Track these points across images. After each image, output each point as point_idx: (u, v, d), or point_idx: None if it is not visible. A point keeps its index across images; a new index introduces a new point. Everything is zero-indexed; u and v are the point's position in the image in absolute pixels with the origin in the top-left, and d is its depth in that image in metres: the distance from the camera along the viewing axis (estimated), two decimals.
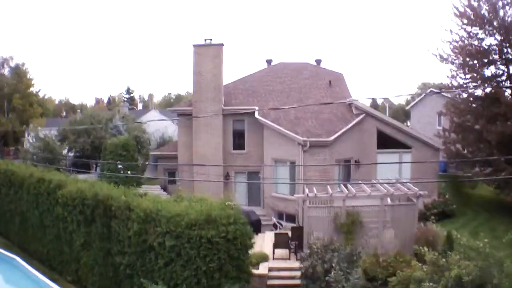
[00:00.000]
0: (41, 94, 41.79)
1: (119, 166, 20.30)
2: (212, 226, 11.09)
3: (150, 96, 63.13)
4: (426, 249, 12.72)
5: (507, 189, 21.89)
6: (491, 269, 10.76)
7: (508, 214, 20.40)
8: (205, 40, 23.89)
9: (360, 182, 18.37)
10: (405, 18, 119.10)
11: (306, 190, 16.63)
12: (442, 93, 32.15)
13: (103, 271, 13.96)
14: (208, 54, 23.47)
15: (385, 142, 23.23)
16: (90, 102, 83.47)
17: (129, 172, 20.42)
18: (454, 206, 21.67)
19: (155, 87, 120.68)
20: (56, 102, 73.35)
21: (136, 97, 76.42)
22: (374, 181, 18.54)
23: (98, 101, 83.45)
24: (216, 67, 23.38)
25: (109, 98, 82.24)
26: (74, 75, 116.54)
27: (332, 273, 10.24)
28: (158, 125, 33.37)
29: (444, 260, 11.93)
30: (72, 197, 14.98)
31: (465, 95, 23.79)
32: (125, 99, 69.03)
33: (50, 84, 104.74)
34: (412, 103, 40.91)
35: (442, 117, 30.75)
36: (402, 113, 57.15)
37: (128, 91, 76.14)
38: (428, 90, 39.25)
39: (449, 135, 24.71)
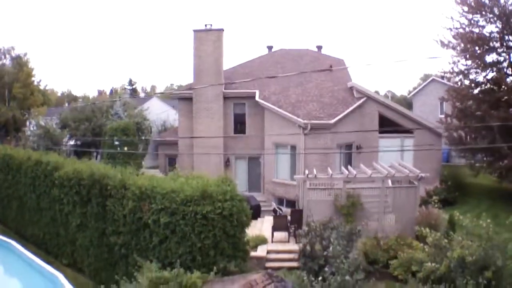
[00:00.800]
0: (42, 85, 41.72)
1: (116, 143, 20.07)
2: (208, 202, 10.84)
3: (153, 87, 62.92)
4: (428, 230, 12.52)
5: (510, 176, 21.56)
6: (494, 251, 10.60)
7: (510, 201, 20.09)
8: (206, 25, 23.68)
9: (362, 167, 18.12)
10: (408, 9, 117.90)
11: (306, 171, 16.38)
12: (444, 81, 31.83)
13: (98, 253, 13.76)
14: (208, 38, 23.22)
15: (387, 126, 22.91)
16: (92, 94, 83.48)
17: (125, 148, 20.20)
18: (457, 193, 21.36)
19: (158, 78, 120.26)
20: (59, 94, 73.33)
21: (139, 89, 76.29)
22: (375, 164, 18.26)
23: (101, 93, 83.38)
24: (216, 51, 23.11)
25: (111, 90, 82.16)
26: (76, 68, 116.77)
27: (331, 248, 9.95)
28: (159, 113, 33.16)
29: (446, 241, 11.76)
30: (68, 178, 14.76)
31: (467, 82, 23.45)
32: (128, 90, 68.87)
33: (53, 76, 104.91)
34: (414, 92, 40.48)
35: (444, 104, 30.33)
36: (405, 104, 56.68)
37: (131, 83, 75.88)
38: (430, 79, 38.75)
39: (451, 121, 24.38)
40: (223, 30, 23.44)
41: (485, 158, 22.27)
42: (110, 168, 14.26)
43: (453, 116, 24.42)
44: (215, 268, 10.22)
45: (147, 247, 11.87)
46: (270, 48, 28.77)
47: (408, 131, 23.20)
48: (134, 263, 11.88)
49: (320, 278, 9.71)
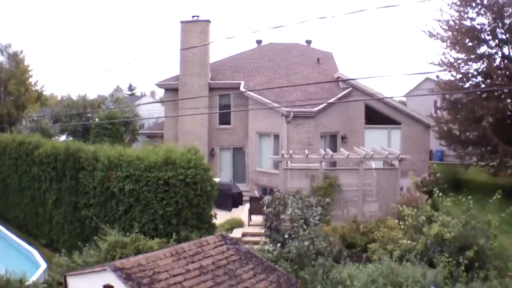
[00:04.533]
0: (39, 85, 41.96)
1: (96, 119, 20.09)
2: (170, 168, 10.91)
3: (152, 93, 63.17)
4: (405, 207, 12.19)
5: (501, 169, 21.43)
6: (476, 230, 10.22)
7: (504, 195, 19.86)
8: (193, 17, 23.95)
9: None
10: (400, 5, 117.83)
11: (283, 151, 16.38)
12: (438, 79, 31.81)
13: (72, 228, 13.88)
14: (194, 30, 23.44)
15: (374, 117, 22.92)
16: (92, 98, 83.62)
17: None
18: (445, 185, 21.17)
19: (155, 77, 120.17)
20: (59, 98, 73.82)
21: (138, 94, 76.51)
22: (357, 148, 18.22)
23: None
24: (202, 42, 23.30)
25: (111, 95, 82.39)
26: (76, 73, 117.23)
27: (289, 211, 9.81)
28: (151, 111, 33.43)
29: (423, 218, 11.35)
30: (47, 155, 15.01)
31: (456, 74, 23.47)
32: (127, 96, 69.26)
33: (53, 81, 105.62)
34: (407, 91, 40.49)
35: (438, 103, 30.27)
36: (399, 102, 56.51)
37: (130, 88, 76.37)
38: (424, 78, 38.69)
39: (442, 114, 24.36)
40: (210, 22, 23.67)
41: (477, 151, 22.15)
42: (85, 144, 14.49)
43: (443, 109, 24.42)
44: (174, 235, 10.21)
45: (114, 217, 11.95)
46: (259, 42, 28.98)
47: (395, 122, 23.16)
48: (102, 233, 11.95)
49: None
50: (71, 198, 13.59)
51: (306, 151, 16.14)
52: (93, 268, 7.78)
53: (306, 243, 9.10)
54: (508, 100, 22.29)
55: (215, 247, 8.54)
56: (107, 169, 11.95)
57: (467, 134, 22.85)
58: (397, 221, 12.73)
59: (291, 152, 15.89)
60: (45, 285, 9.72)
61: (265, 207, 11.18)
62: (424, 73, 39.51)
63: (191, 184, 10.93)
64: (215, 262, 8.17)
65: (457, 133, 23.19)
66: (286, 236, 9.68)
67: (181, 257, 7.97)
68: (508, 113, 22.50)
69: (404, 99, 41.02)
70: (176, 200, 10.78)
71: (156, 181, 10.79)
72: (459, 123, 22.76)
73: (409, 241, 10.62)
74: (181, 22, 23.80)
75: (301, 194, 11.53)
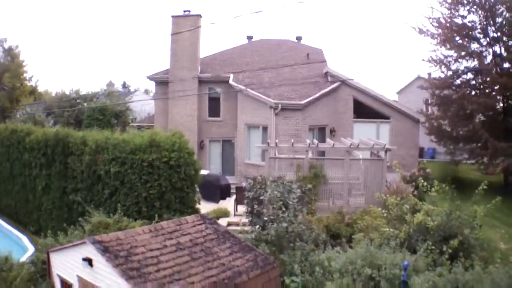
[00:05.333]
0: (34, 81, 42.07)
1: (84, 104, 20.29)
2: (155, 150, 11.15)
3: (146, 91, 63.24)
4: (389, 196, 12.30)
5: (491, 165, 21.66)
6: (461, 219, 10.12)
7: (493, 191, 20.07)
8: (184, 11, 24.19)
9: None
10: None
11: (269, 140, 16.60)
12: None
13: (60, 214, 14.11)
14: (185, 24, 23.66)
15: (363, 111, 23.15)
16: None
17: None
18: (435, 180, 21.35)
19: (147, 72, 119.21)
20: (53, 94, 73.72)
21: (132, 90, 76.41)
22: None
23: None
24: (193, 36, 23.56)
25: (104, 90, 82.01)
26: (71, 71, 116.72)
27: (268, 193, 9.98)
28: (143, 104, 33.60)
29: (407, 206, 11.29)
30: (37, 141, 15.24)
31: (446, 71, 23.76)
32: (120, 91, 69.25)
33: (48, 79, 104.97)
34: (399, 90, 40.84)
35: (429, 101, 30.57)
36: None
37: (125, 86, 76.28)
38: (416, 76, 39.08)
39: (432, 110, 24.68)
40: (201, 16, 23.93)
41: (467, 147, 22.36)
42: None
43: (432, 105, 24.70)
44: (156, 216, 10.45)
45: (100, 201, 12.18)
46: (250, 38, 29.24)
47: (385, 117, 23.37)
48: (88, 216, 12.19)
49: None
50: (59, 183, 13.83)
51: (292, 140, 16.37)
52: (74, 242, 8.03)
53: (285, 224, 9.29)
54: (498, 97, 22.67)
55: (194, 226, 8.81)
56: (95, 153, 12.22)
57: (458, 130, 23.13)
58: (381, 209, 12.69)
59: (276, 141, 16.13)
60: (30, 264, 9.94)
61: (246, 192, 11.37)
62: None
63: (175, 167, 11.18)
64: (192, 239, 8.45)
65: (448, 129, 23.46)
66: (266, 218, 9.92)
67: (159, 233, 8.25)
68: (498, 109, 22.88)
69: (396, 97, 41.40)
70: (160, 183, 11.03)
71: (140, 163, 11.05)
72: (449, 120, 23.04)
73: (391, 229, 10.61)
74: (172, 16, 24.05)
75: (283, 179, 11.71)
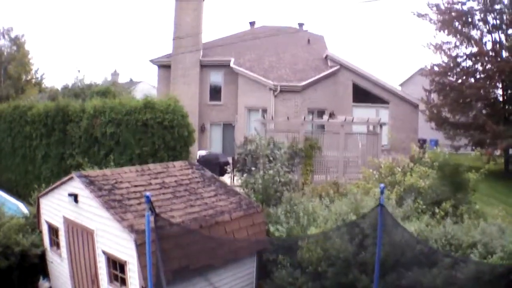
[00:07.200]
0: (40, 73, 42.51)
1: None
2: (149, 111, 11.37)
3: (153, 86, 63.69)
4: (381, 160, 12.33)
5: (490, 145, 21.54)
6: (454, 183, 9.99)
7: (493, 177, 20.03)
8: None
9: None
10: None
11: (265, 115, 16.77)
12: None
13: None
14: (188, 7, 23.94)
15: (362, 96, 23.22)
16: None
17: None
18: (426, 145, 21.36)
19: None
20: (59, 89, 74.54)
21: (136, 80, 76.99)
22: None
23: None
24: (195, 19, 23.85)
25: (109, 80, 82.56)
26: (77, 65, 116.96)
27: (254, 145, 10.12)
28: (146, 93, 33.79)
29: (398, 168, 11.38)
30: (39, 114, 15.49)
31: (445, 59, 23.79)
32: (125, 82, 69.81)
33: (54, 73, 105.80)
34: (402, 81, 40.74)
35: (431, 94, 30.51)
36: None
37: (131, 81, 76.84)
38: (419, 68, 38.97)
39: (431, 97, 24.68)
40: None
41: (467, 133, 22.33)
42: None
43: (432, 91, 24.72)
44: None
45: (95, 161, 12.38)
46: (252, 23, 29.47)
47: (384, 101, 23.45)
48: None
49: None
50: (58, 150, 14.06)
51: (287, 117, 16.54)
52: (62, 180, 8.24)
53: (271, 171, 9.46)
54: (498, 84, 22.66)
55: (181, 169, 8.99)
56: (93, 118, 12.44)
57: (457, 116, 23.13)
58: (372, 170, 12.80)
59: (273, 115, 16.32)
60: (23, 217, 10.12)
61: (236, 148, 11.55)
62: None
63: (168, 128, 11.40)
64: (177, 180, 8.62)
65: (448, 115, 23.46)
66: (251, 167, 10.04)
67: (145, 173, 8.44)
68: (496, 96, 22.86)
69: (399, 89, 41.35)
70: (153, 141, 11.25)
71: (135, 123, 11.28)
72: (449, 106, 23.05)
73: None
74: (176, 0, 24.31)
75: (274, 140, 11.85)
